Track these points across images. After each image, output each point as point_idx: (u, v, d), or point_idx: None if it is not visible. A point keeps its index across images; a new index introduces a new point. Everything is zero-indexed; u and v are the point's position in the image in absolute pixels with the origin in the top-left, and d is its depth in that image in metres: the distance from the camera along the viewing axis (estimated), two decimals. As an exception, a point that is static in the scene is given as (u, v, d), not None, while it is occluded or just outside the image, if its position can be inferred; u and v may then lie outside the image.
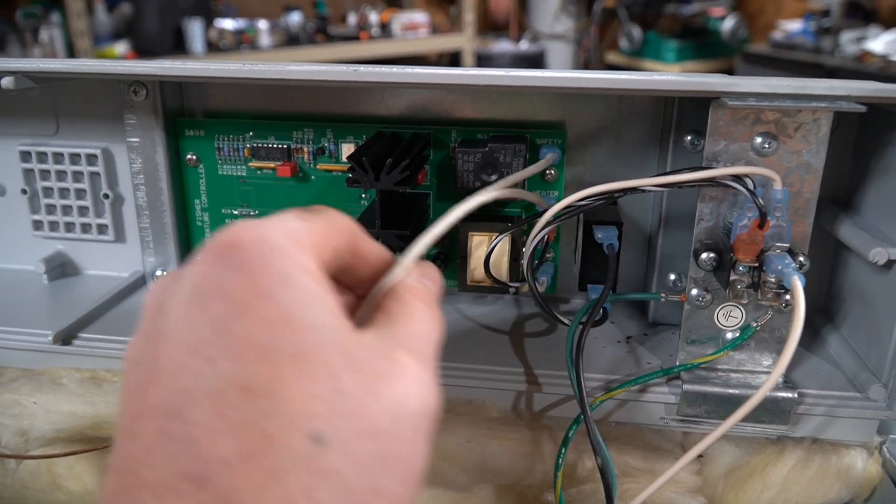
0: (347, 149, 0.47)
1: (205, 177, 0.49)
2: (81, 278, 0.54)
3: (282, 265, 0.21)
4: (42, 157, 0.50)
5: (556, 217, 0.39)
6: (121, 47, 2.45)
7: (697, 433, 0.43)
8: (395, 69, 0.37)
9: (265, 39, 2.65)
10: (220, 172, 0.49)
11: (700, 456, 0.43)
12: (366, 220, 0.42)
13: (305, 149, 0.47)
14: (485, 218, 0.46)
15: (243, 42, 2.63)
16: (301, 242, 0.23)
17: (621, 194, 0.39)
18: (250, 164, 0.48)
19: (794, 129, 0.37)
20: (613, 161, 0.47)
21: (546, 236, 0.43)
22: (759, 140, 0.37)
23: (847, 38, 2.24)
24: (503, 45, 3.08)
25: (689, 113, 0.43)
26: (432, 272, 0.28)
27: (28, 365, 0.46)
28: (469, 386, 0.43)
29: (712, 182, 0.37)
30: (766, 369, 0.41)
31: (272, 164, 0.47)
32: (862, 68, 2.16)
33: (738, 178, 0.36)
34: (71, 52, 2.37)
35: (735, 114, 0.37)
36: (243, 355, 0.19)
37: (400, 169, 0.39)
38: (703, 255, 0.39)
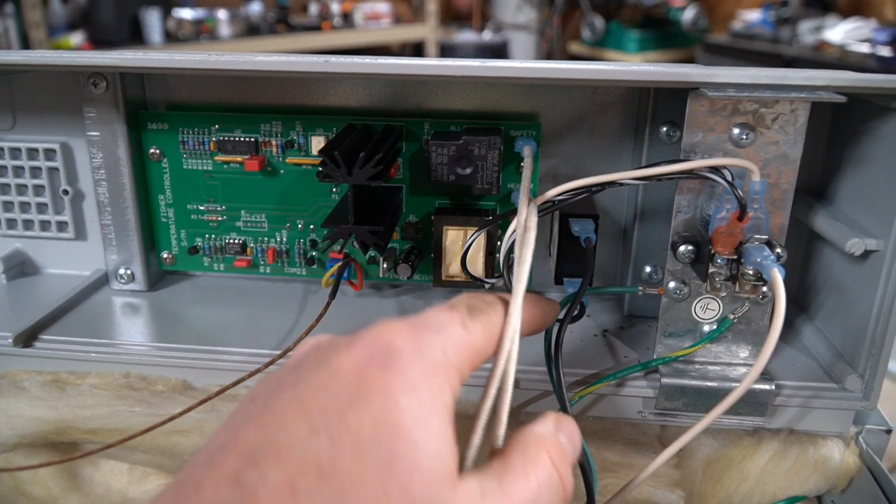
0: (317, 142, 0.45)
1: (169, 171, 0.47)
2: (41, 277, 0.52)
3: (418, 376, 0.22)
4: (-3, 152, 0.48)
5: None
6: (76, 38, 2.39)
7: (675, 426, 0.43)
8: (368, 60, 0.36)
9: (225, 29, 2.60)
10: (184, 167, 0.47)
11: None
12: (338, 216, 0.41)
13: (273, 142, 0.46)
14: (459, 212, 0.45)
15: (202, 32, 2.58)
16: (450, 360, 0.24)
17: (599, 188, 0.38)
18: (216, 157, 0.46)
19: (771, 119, 0.36)
20: (587, 152, 0.47)
21: (522, 230, 0.42)
22: (736, 131, 0.37)
23: (805, 27, 2.27)
24: (466, 36, 3.07)
25: (665, 104, 0.42)
26: (572, 429, 0.27)
27: (-14, 369, 0.44)
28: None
29: (690, 174, 0.36)
30: (743, 361, 0.41)
31: (239, 158, 0.46)
32: (819, 58, 2.19)
33: (716, 169, 0.36)
34: (25, 44, 2.30)
35: (713, 105, 0.36)
36: (342, 441, 0.20)
37: (373, 163, 0.38)
38: (682, 248, 0.38)
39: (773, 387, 0.39)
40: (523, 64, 0.36)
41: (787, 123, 0.36)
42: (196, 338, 0.44)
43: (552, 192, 0.38)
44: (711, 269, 0.37)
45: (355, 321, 0.46)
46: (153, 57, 0.38)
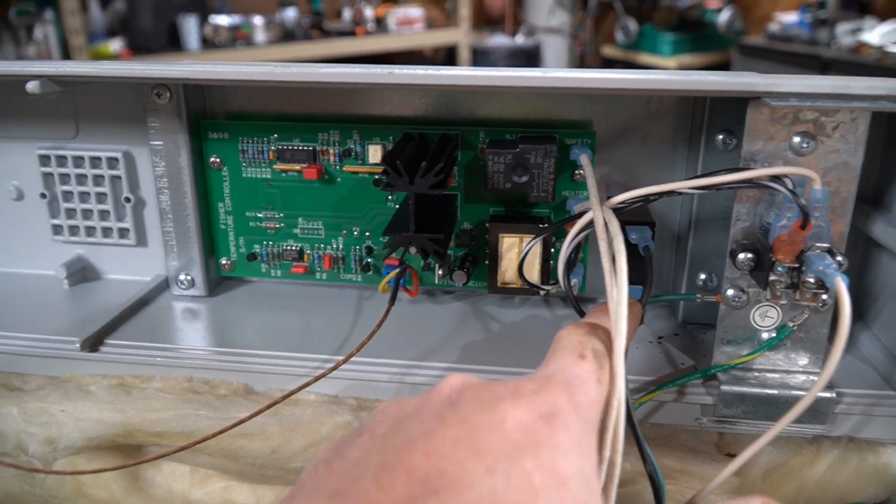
0: (374, 150, 0.46)
1: (229, 179, 0.48)
2: (102, 283, 0.53)
3: (584, 442, 0.24)
4: (62, 160, 0.50)
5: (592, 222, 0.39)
6: (115, 44, 2.43)
7: (731, 433, 0.43)
8: (431, 70, 0.37)
9: (260, 35, 2.63)
10: (244, 175, 0.48)
11: (735, 455, 0.43)
12: (398, 224, 0.42)
13: (331, 150, 0.47)
14: (515, 219, 0.46)
15: (238, 38, 2.62)
16: (596, 422, 0.26)
17: (657, 197, 0.38)
18: (275, 166, 0.47)
19: (832, 128, 0.36)
20: (640, 160, 0.47)
21: (580, 240, 0.43)
22: (797, 140, 0.37)
23: (843, 29, 2.24)
24: (499, 40, 3.07)
25: (721, 112, 0.43)
26: None
27: (53, 372, 0.46)
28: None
29: (751, 183, 0.36)
30: (802, 369, 0.41)
31: (298, 167, 0.47)
32: (858, 60, 2.16)
33: (777, 178, 0.36)
34: (65, 50, 2.35)
35: (773, 113, 0.36)
36: (519, 485, 0.21)
37: (435, 172, 0.39)
38: (741, 256, 0.39)
39: (835, 395, 0.39)
40: (582, 74, 0.37)
41: (848, 132, 0.36)
42: (256, 342, 0.45)
43: (613, 201, 0.39)
44: (772, 277, 0.38)
45: (411, 327, 0.47)
46: (220, 69, 0.39)
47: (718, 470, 0.39)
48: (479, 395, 0.24)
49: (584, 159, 0.42)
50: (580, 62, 3.08)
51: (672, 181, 0.37)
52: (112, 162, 0.49)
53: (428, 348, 0.44)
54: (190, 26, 2.48)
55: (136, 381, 0.45)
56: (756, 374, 0.41)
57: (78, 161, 0.50)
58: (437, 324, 0.47)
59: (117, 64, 0.41)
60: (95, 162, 0.50)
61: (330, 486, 0.21)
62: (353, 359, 0.42)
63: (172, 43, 2.50)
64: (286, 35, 2.70)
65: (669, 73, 0.37)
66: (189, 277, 0.50)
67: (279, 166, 0.47)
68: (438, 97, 0.47)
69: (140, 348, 0.45)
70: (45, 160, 0.50)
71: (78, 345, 0.44)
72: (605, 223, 0.38)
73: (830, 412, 0.39)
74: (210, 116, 0.49)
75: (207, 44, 2.54)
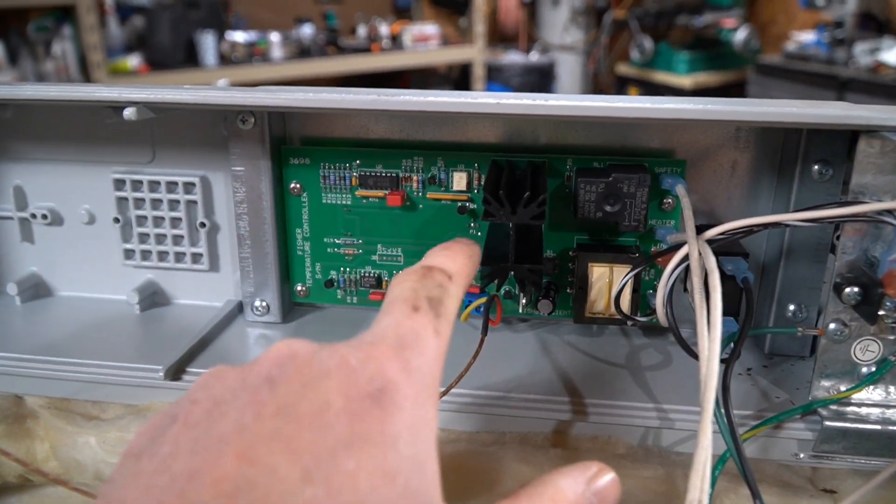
0: (459, 177, 0.46)
1: (308, 205, 0.48)
2: (172, 308, 0.52)
3: (421, 419, 0.21)
4: (137, 185, 0.49)
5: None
6: (133, 60, 2.44)
7: (827, 468, 0.42)
8: (539, 100, 0.36)
9: (277, 51, 2.65)
10: (323, 201, 0.48)
11: (833, 491, 0.43)
12: (494, 254, 0.41)
13: (415, 177, 0.46)
14: (602, 248, 0.45)
15: (255, 54, 2.63)
16: (435, 384, 0.23)
17: (760, 229, 0.38)
18: (357, 192, 0.47)
19: (943, 161, 0.36)
20: (726, 190, 0.46)
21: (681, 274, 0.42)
22: (907, 173, 0.36)
23: (861, 49, 2.25)
24: (513, 57, 3.08)
25: (817, 142, 0.42)
26: (608, 491, 0.25)
27: (132, 401, 0.45)
28: (593, 422, 0.42)
29: (862, 218, 0.36)
30: (900, 403, 0.40)
31: (381, 193, 0.46)
32: (876, 79, 2.17)
33: (889, 212, 0.36)
34: (83, 66, 2.36)
35: (884, 146, 0.36)
36: (339, 493, 0.18)
37: (538, 203, 0.38)
38: (847, 290, 0.38)
39: (939, 431, 0.38)
40: (673, 106, 0.36)
41: (960, 165, 0.36)
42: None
43: (714, 231, 0.38)
44: (881, 312, 0.37)
45: (493, 356, 0.46)
46: (320, 97, 0.39)
47: (818, 506, 0.39)
48: (303, 372, 0.21)
49: (680, 190, 0.42)
50: (594, 80, 3.09)
51: (771, 213, 0.37)
52: (188, 187, 0.49)
53: (513, 377, 0.44)
54: (207, 42, 2.49)
55: (218, 410, 0.44)
56: (855, 408, 0.40)
57: (153, 186, 0.49)
58: (519, 353, 0.47)
59: (210, 91, 0.41)
60: (171, 187, 0.49)
61: (131, 495, 0.18)
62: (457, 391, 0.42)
63: (190, 59, 2.51)
64: (302, 51, 2.72)
65: (779, 109, 0.37)
66: (264, 303, 0.49)
67: (361, 192, 0.47)
68: (524, 124, 0.46)
69: (222, 377, 0.44)
70: (119, 184, 0.49)
71: (161, 373, 0.43)
72: (701, 256, 0.38)
73: (936, 449, 0.39)
74: (289, 141, 0.48)
75: (224, 60, 2.55)
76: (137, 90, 0.40)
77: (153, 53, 2.49)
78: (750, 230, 0.38)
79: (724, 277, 0.41)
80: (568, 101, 0.36)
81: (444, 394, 0.40)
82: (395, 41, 2.87)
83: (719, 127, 0.45)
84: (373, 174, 0.46)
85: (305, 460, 0.18)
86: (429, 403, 0.22)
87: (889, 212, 0.36)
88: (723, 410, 0.36)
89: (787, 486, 0.41)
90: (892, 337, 0.39)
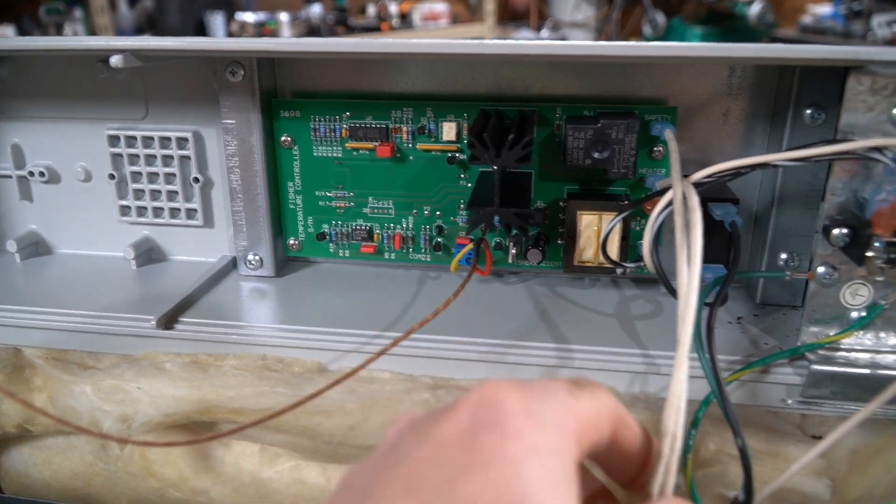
0: (448, 127, 0.46)
1: (299, 158, 0.48)
2: (169, 264, 0.53)
3: (538, 439, 0.20)
4: (131, 141, 0.50)
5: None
6: (144, 41, 2.44)
7: (816, 415, 0.42)
8: (521, 42, 0.36)
9: (286, 31, 2.64)
10: (314, 154, 0.48)
11: (819, 437, 0.43)
12: (480, 199, 0.41)
13: (404, 128, 0.46)
14: (593, 197, 0.45)
15: (265, 34, 2.62)
16: (564, 423, 0.22)
17: (748, 170, 0.38)
18: (347, 144, 0.47)
19: (933, 99, 0.35)
20: (719, 137, 0.46)
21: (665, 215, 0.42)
22: (897, 111, 0.36)
23: (878, 21, 2.21)
24: (524, 34, 3.06)
25: (810, 85, 0.42)
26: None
27: (127, 351, 0.46)
28: (584, 368, 0.42)
29: (851, 155, 0.36)
30: (890, 349, 0.40)
31: (370, 145, 0.47)
32: (893, 52, 2.13)
33: (878, 149, 0.35)
34: (95, 46, 2.36)
35: (875, 83, 0.35)
36: None
37: (522, 145, 0.38)
38: (836, 232, 0.38)
39: (928, 374, 0.38)
40: (668, 44, 0.36)
41: (950, 102, 0.36)
42: (327, 321, 0.45)
43: (701, 174, 0.38)
44: (870, 253, 0.37)
45: (483, 306, 0.46)
46: (302, 41, 0.39)
47: (805, 451, 0.39)
48: (419, 426, 0.21)
49: (668, 134, 0.42)
50: (606, 57, 3.05)
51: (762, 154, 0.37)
52: (181, 142, 0.49)
53: (503, 327, 0.44)
54: (217, 23, 2.49)
55: (210, 360, 0.44)
56: (844, 353, 0.40)
57: (147, 141, 0.50)
58: (509, 303, 0.47)
59: (197, 39, 0.41)
60: (165, 142, 0.49)
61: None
62: (430, 336, 0.42)
63: (200, 39, 2.51)
64: (311, 31, 2.70)
65: (772, 45, 0.36)
66: (258, 257, 0.50)
67: (351, 144, 0.47)
68: (513, 73, 0.46)
69: (214, 326, 0.44)
70: (114, 141, 0.50)
71: (154, 323, 0.44)
72: (684, 197, 0.38)
73: (923, 392, 0.38)
74: (280, 95, 0.48)
75: (235, 40, 2.54)
76: (124, 40, 0.40)
77: (163, 34, 2.48)
78: (738, 172, 0.38)
79: (713, 223, 0.41)
80: (547, 42, 0.36)
81: (419, 327, 0.40)
82: (405, 20, 2.85)
83: (711, 73, 0.45)
84: (362, 126, 0.46)
85: (423, 494, 0.19)
86: (561, 444, 0.21)
87: (878, 148, 0.35)
88: (706, 353, 0.36)
89: (775, 432, 0.41)
90: (881, 279, 0.39)
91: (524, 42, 0.36)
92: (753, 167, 0.37)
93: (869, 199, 0.36)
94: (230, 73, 0.45)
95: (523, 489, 0.19)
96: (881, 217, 0.36)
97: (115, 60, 0.39)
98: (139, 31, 2.50)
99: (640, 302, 0.47)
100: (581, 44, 0.36)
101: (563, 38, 3.04)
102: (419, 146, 0.46)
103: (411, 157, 0.47)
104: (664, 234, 0.47)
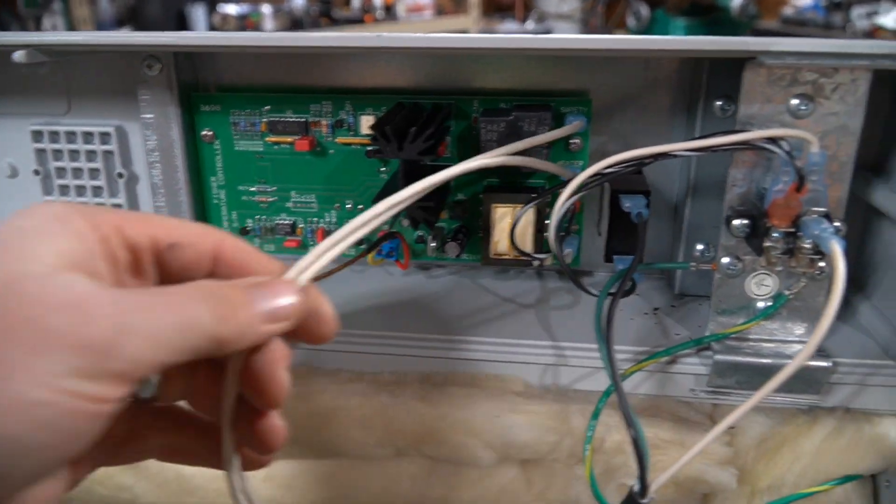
0: (367, 121, 0.46)
1: (221, 153, 0.48)
2: (97, 259, 0.53)
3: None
4: (54, 136, 0.49)
5: (583, 186, 0.38)
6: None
7: (727, 405, 0.42)
8: (419, 35, 0.36)
9: (269, 24, 2.63)
10: (236, 148, 0.48)
11: (731, 427, 0.43)
12: (388, 192, 0.41)
13: (324, 122, 0.46)
14: (508, 189, 0.45)
15: (247, 27, 2.61)
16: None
17: (651, 160, 0.38)
18: (267, 138, 0.47)
19: (831, 90, 0.36)
20: (638, 130, 0.46)
21: (573, 206, 0.42)
22: (794, 102, 0.36)
23: (858, 13, 2.21)
24: (509, 26, 3.05)
25: (720, 77, 0.42)
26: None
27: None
28: (494, 360, 0.42)
29: (747, 145, 0.36)
30: (798, 338, 0.40)
31: (290, 139, 0.46)
32: (873, 43, 2.13)
33: (773, 140, 0.35)
34: (74, 40, 2.35)
35: (771, 74, 0.36)
36: None
37: (424, 138, 0.38)
38: (736, 222, 0.38)
39: (830, 364, 0.38)
40: (571, 36, 0.36)
41: (847, 94, 0.36)
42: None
43: (601, 164, 0.38)
44: (767, 243, 0.37)
45: (401, 301, 0.46)
46: (207, 35, 0.39)
47: (714, 441, 0.39)
48: None
49: (573, 123, 0.42)
50: (591, 48, 3.05)
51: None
52: (104, 137, 0.49)
53: (417, 319, 0.44)
54: (198, 15, 2.49)
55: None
56: (751, 343, 0.40)
57: (70, 137, 0.49)
58: (428, 296, 0.47)
59: (105, 33, 0.41)
60: (88, 137, 0.49)
61: None
62: (351, 331, 0.42)
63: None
64: (294, 23, 2.70)
65: (665, 38, 0.36)
66: None
67: (271, 138, 0.47)
68: (433, 67, 0.46)
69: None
70: (37, 136, 0.49)
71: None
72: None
73: (825, 382, 0.39)
74: (202, 89, 0.48)
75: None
76: (31, 35, 0.40)
77: (144, 27, 2.48)
78: (641, 162, 0.38)
79: (622, 214, 0.41)
80: (446, 36, 0.36)
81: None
82: (389, 12, 2.85)
83: (628, 66, 0.45)
84: (282, 120, 0.46)
85: None
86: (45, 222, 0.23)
87: (773, 139, 0.35)
88: (606, 344, 0.36)
89: (684, 422, 0.42)
90: (780, 269, 0.39)
91: (415, 35, 0.36)
92: (654, 157, 0.37)
93: (768, 190, 0.36)
94: (147, 67, 0.45)
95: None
96: (777, 207, 0.36)
97: (17, 56, 0.39)
98: (120, 23, 2.49)
99: (560, 293, 0.47)
100: (485, 37, 0.36)
101: (548, 30, 3.03)
102: (338, 140, 0.46)
103: (331, 151, 0.47)
104: (584, 226, 0.47)
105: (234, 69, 0.48)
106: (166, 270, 0.25)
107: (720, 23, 2.67)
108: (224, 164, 0.48)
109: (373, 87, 0.47)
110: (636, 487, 0.34)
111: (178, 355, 0.21)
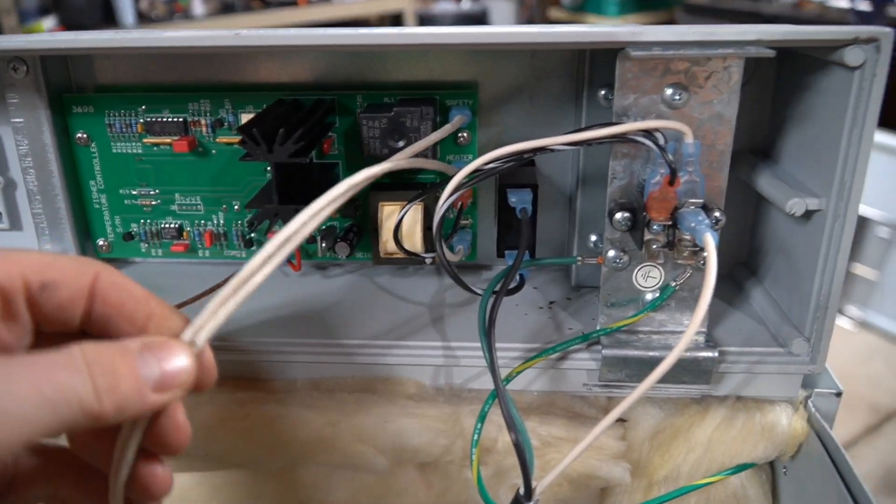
0: (247, 119, 0.44)
1: (98, 156, 0.46)
2: (-23, 270, 0.50)
3: None
4: (-78, 143, 0.47)
5: (464, 183, 0.37)
6: (48, 22, 2.35)
7: (622, 398, 0.42)
8: (281, 32, 0.35)
9: (199, 8, 2.56)
10: (113, 150, 0.45)
11: (623, 420, 0.43)
12: (264, 195, 0.40)
13: (203, 121, 0.44)
14: (396, 187, 0.44)
15: (176, 12, 2.54)
16: None
17: (531, 155, 0.37)
18: (145, 140, 0.45)
19: (704, 78, 0.35)
20: (528, 121, 0.45)
21: (460, 202, 0.41)
22: (669, 92, 0.35)
23: (785, -14, 2.24)
24: (445, 6, 3.03)
25: (602, 67, 0.41)
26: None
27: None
28: (385, 363, 0.41)
29: (622, 138, 0.35)
30: (686, 329, 0.40)
31: (168, 140, 0.44)
32: (799, 15, 2.17)
33: (647, 132, 0.35)
34: (-5, 30, 2.26)
35: (643, 65, 0.35)
36: None
37: (294, 139, 0.37)
38: (618, 215, 0.37)
39: (717, 353, 0.38)
40: (448, 30, 0.35)
41: (721, 82, 0.35)
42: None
43: (479, 161, 0.37)
44: (647, 236, 0.36)
45: (291, 303, 0.45)
46: (66, 37, 0.37)
47: (605, 435, 0.39)
48: None
49: (456, 118, 0.41)
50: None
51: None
52: (-25, 142, 0.47)
53: (307, 323, 0.43)
54: (125, 1, 2.41)
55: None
56: (641, 336, 0.40)
57: (-60, 143, 0.47)
58: (320, 298, 0.46)
59: (-45, 35, 0.38)
60: (-42, 143, 0.47)
61: None
62: (240, 339, 0.41)
63: (107, 19, 2.42)
64: (225, 7, 2.63)
65: (537, 27, 0.35)
66: (65, 261, 0.47)
67: (149, 140, 0.45)
68: (317, 62, 0.44)
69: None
70: None
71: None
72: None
73: (714, 371, 0.38)
74: (77, 90, 0.46)
75: (143, 18, 2.47)
76: None
77: (68, 14, 2.39)
78: (519, 157, 0.37)
79: (510, 209, 0.41)
80: (312, 32, 0.34)
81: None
82: (324, -6, 2.80)
83: (515, 57, 0.44)
84: (159, 120, 0.44)
85: None
86: None
87: (647, 132, 0.35)
88: (488, 346, 0.36)
89: (577, 417, 0.41)
90: (663, 261, 0.38)
91: (276, 33, 0.34)
92: (533, 151, 0.36)
93: (646, 182, 0.36)
94: (13, 70, 0.43)
95: None
96: (654, 201, 0.35)
97: None
98: (44, 11, 2.40)
99: (455, 291, 0.46)
100: (352, 33, 0.35)
101: (484, 10, 3.02)
102: (220, 139, 0.45)
103: (214, 151, 0.45)
104: (479, 220, 0.47)
105: (109, 69, 0.45)
106: (41, 312, 0.23)
107: (655, -2, 2.69)
108: (102, 168, 0.46)
109: (254, 83, 0.45)
110: (521, 490, 0.34)
111: (49, 433, 0.20)
